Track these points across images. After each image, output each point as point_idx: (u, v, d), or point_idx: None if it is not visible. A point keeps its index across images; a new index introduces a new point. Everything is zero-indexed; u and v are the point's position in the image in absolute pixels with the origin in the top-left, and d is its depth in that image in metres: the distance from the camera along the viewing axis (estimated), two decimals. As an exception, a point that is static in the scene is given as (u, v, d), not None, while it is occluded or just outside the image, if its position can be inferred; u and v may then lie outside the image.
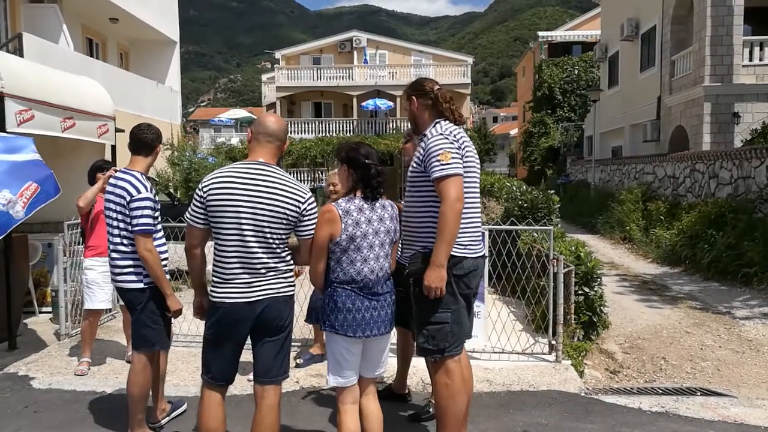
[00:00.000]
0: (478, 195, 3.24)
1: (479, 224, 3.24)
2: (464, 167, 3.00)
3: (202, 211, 2.80)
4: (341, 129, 29.17)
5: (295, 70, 30.62)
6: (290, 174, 3.04)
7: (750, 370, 5.34)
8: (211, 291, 2.85)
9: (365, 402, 2.97)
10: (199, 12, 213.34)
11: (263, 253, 2.77)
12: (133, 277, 3.42)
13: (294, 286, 2.95)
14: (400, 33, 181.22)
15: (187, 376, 4.60)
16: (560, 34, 31.56)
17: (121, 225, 3.42)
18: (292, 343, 3.17)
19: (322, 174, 26.13)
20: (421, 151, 3.07)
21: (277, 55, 32.53)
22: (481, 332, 4.82)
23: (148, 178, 3.62)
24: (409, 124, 3.51)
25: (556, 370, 4.64)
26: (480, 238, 3.24)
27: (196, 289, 3.05)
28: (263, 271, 2.79)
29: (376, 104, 28.79)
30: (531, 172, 29.62)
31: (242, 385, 4.17)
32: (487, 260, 4.55)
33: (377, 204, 2.94)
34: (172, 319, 3.54)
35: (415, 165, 3.14)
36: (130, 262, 3.42)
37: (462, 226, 2.97)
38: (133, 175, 3.47)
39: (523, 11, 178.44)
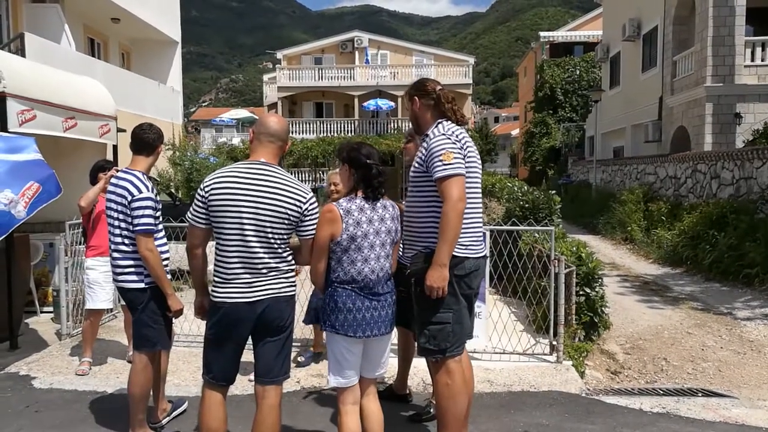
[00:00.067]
0: (480, 195, 3.24)
1: (481, 224, 3.24)
2: (466, 167, 3.00)
3: (203, 210, 2.80)
4: (342, 129, 29.19)
5: (296, 70, 30.64)
6: (291, 174, 3.03)
7: (751, 371, 5.33)
8: (212, 291, 2.85)
9: (366, 402, 2.97)
10: (200, 12, 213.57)
11: (264, 253, 2.77)
12: (134, 277, 3.42)
13: (295, 286, 2.95)
14: (401, 33, 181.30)
15: (188, 376, 4.61)
16: (562, 35, 31.55)
17: (123, 225, 3.43)
18: (293, 343, 3.17)
19: (323, 174, 26.13)
20: (424, 152, 3.07)
21: (279, 55, 32.55)
22: (482, 332, 4.82)
23: (150, 178, 3.62)
24: (410, 124, 3.51)
25: (557, 370, 4.64)
26: (481, 238, 3.24)
27: (197, 289, 3.05)
28: (264, 271, 2.79)
29: (377, 104, 28.80)
30: (532, 172, 29.60)
31: (243, 385, 4.17)
32: (488, 260, 4.55)
33: (378, 204, 2.94)
34: (173, 318, 3.55)
35: (417, 165, 3.14)
36: (132, 262, 3.42)
37: (463, 226, 2.97)
38: (134, 175, 3.47)
39: (524, 11, 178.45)
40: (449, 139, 3.01)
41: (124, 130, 7.01)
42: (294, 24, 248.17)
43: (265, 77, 38.50)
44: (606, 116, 21.29)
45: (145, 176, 3.53)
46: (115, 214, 3.44)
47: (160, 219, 3.59)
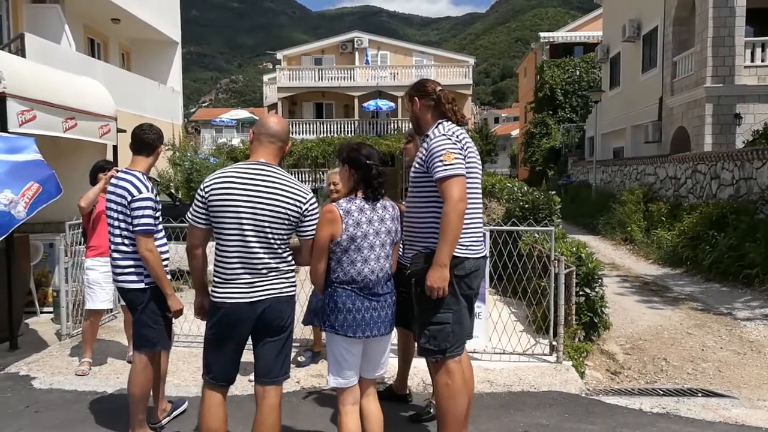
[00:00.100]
0: (480, 196, 3.25)
1: (481, 225, 3.25)
2: (466, 168, 3.00)
3: (203, 211, 2.81)
4: (342, 129, 29.20)
5: (296, 71, 30.65)
6: (291, 174, 3.03)
7: (751, 371, 5.33)
8: (212, 291, 2.85)
9: (365, 403, 2.97)
10: (200, 12, 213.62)
11: (264, 253, 2.77)
12: (134, 277, 3.42)
13: (295, 286, 2.95)
14: (401, 34, 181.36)
15: (188, 377, 4.61)
16: (562, 35, 31.56)
17: (123, 225, 3.43)
18: (293, 344, 3.17)
19: (323, 174, 26.12)
20: (424, 152, 3.08)
21: (279, 55, 32.57)
22: (482, 333, 4.82)
23: (150, 179, 3.62)
24: (410, 125, 3.51)
25: (557, 370, 4.64)
26: (482, 238, 3.24)
27: (197, 290, 3.05)
28: (264, 271, 2.79)
29: (377, 105, 28.81)
30: (532, 172, 29.61)
31: (243, 385, 4.17)
32: (488, 261, 4.55)
33: (378, 204, 2.94)
34: (173, 319, 3.55)
35: (417, 165, 3.14)
36: (131, 262, 3.42)
37: (464, 226, 2.97)
38: (134, 175, 3.48)
39: (524, 12, 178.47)
40: (450, 139, 3.01)
41: (124, 131, 7.01)
42: (294, 24, 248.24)
43: (265, 78, 38.51)
44: (606, 117, 21.30)
45: (145, 176, 3.53)
46: (115, 215, 3.44)
47: (160, 219, 3.59)
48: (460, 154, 2.98)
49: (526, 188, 8.89)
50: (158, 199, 3.57)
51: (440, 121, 3.16)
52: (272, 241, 2.78)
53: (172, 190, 12.01)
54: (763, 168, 9.80)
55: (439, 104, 3.18)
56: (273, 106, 32.29)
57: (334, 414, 3.41)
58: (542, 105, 29.53)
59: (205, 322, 2.95)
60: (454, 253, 2.95)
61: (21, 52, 9.54)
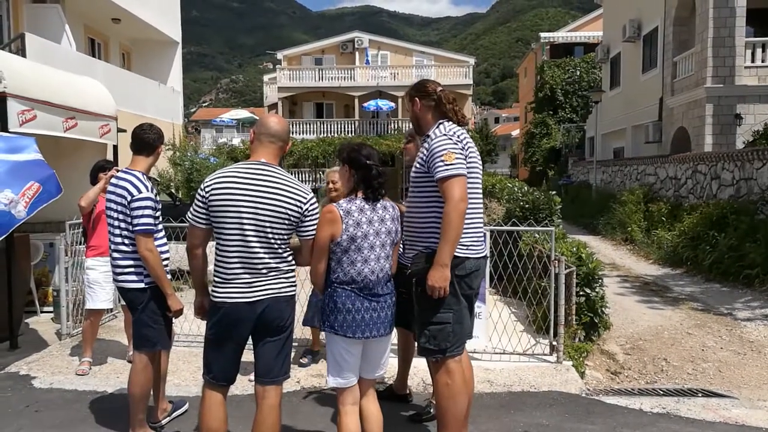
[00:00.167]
0: (481, 196, 3.25)
1: (481, 225, 3.25)
2: (467, 168, 3.01)
3: (203, 211, 2.81)
4: (343, 129, 29.21)
5: (296, 71, 30.66)
6: (292, 174, 3.03)
7: (751, 371, 5.33)
8: (213, 291, 2.85)
9: (365, 403, 2.96)
10: (200, 12, 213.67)
11: (265, 253, 2.77)
12: (134, 277, 3.42)
13: (295, 286, 2.95)
14: (401, 34, 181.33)
15: (189, 376, 4.61)
16: (562, 35, 31.56)
17: (122, 225, 3.43)
18: (294, 344, 3.17)
19: (323, 174, 26.10)
20: (425, 152, 3.08)
21: (279, 55, 32.59)
22: (482, 333, 4.82)
23: (150, 178, 3.62)
24: (410, 125, 3.52)
25: (557, 370, 4.64)
26: (482, 238, 3.24)
27: (197, 289, 3.05)
28: (264, 271, 2.79)
29: (377, 105, 28.82)
30: (532, 173, 29.61)
31: (243, 385, 4.17)
32: (488, 261, 4.55)
33: (378, 205, 2.94)
34: (173, 318, 3.55)
35: (418, 165, 3.15)
36: (131, 262, 3.42)
37: (464, 226, 2.97)
38: (134, 175, 3.48)
39: (525, 12, 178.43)
40: (450, 139, 3.02)
41: (124, 131, 7.01)
42: (294, 24, 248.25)
43: (266, 78, 38.52)
44: (606, 117, 21.30)
45: (144, 176, 3.53)
46: (115, 214, 3.45)
47: (160, 219, 3.59)
48: (461, 154, 2.98)
49: (526, 188, 8.89)
50: (158, 198, 3.57)
51: (441, 121, 3.16)
52: (272, 241, 2.78)
53: (173, 190, 12.01)
54: (763, 168, 9.80)
55: (439, 104, 3.18)
56: (273, 106, 32.30)
57: (335, 414, 3.41)
58: (542, 105, 29.53)
59: (205, 321, 2.95)
60: (455, 253, 2.95)
61: (21, 51, 9.54)
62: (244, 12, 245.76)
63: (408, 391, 4.12)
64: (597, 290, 5.79)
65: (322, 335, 3.31)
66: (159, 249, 3.45)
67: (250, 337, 2.88)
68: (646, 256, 11.35)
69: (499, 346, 4.94)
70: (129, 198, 3.39)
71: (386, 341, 3.01)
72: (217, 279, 2.82)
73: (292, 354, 3.36)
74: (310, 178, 26.57)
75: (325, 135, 28.59)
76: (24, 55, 9.28)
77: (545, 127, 29.08)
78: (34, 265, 6.51)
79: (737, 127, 13.47)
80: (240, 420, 3.53)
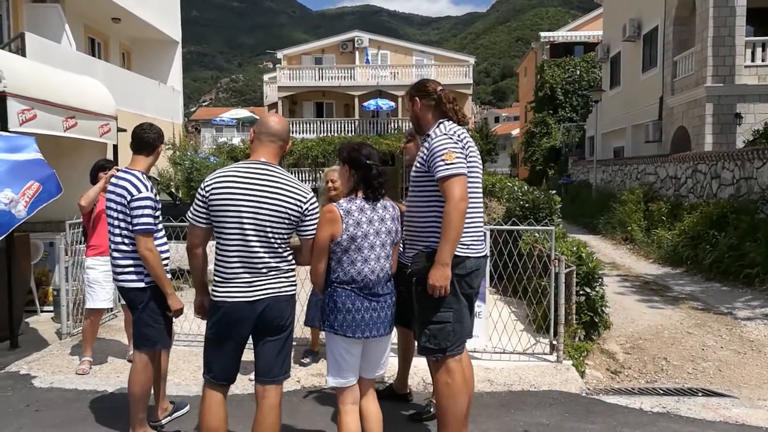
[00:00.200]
0: (481, 195, 3.25)
1: (482, 224, 3.25)
2: (467, 167, 3.01)
3: (204, 210, 2.81)
4: (343, 129, 29.20)
5: (296, 70, 30.65)
6: (292, 174, 3.02)
7: (751, 370, 5.34)
8: (213, 290, 2.85)
9: (365, 403, 2.96)
10: (200, 12, 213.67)
11: (265, 252, 2.77)
12: (134, 277, 3.42)
13: (295, 285, 2.95)
14: (401, 33, 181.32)
15: (189, 376, 4.61)
16: (562, 35, 31.56)
17: (122, 224, 3.43)
18: (294, 344, 3.17)
19: (323, 174, 26.11)
20: (425, 151, 3.08)
21: (279, 55, 32.57)
22: (482, 332, 4.82)
23: (150, 178, 3.62)
24: (410, 124, 3.52)
25: (557, 370, 4.64)
26: (482, 237, 3.24)
27: (197, 289, 3.05)
28: (264, 270, 2.79)
29: (377, 104, 28.82)
30: (532, 172, 29.60)
31: (243, 384, 4.17)
32: (488, 260, 4.55)
33: (378, 204, 2.94)
34: (174, 318, 3.55)
35: (418, 165, 3.15)
36: (131, 262, 3.42)
37: (465, 225, 2.97)
38: (133, 175, 3.48)
39: (525, 12, 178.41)
40: (451, 139, 3.02)
41: (124, 130, 7.01)
42: (294, 24, 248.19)
43: (266, 77, 38.51)
44: (606, 116, 21.29)
45: (144, 176, 3.53)
46: (115, 214, 3.44)
47: (160, 219, 3.59)
48: (461, 153, 2.99)
49: (526, 188, 8.89)
50: (158, 198, 3.57)
51: (441, 120, 3.16)
52: (273, 240, 2.78)
53: (173, 189, 12.01)
54: (763, 168, 9.80)
55: (440, 104, 3.18)
56: (273, 106, 32.30)
57: (335, 413, 3.41)
58: (542, 104, 29.53)
59: (205, 321, 2.95)
60: (456, 252, 2.95)
61: (21, 51, 9.54)
62: (244, 11, 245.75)
63: (408, 391, 4.12)
64: (597, 289, 5.79)
65: (322, 335, 3.31)
66: (159, 248, 3.44)
67: (250, 336, 2.88)
68: (646, 256, 11.35)
69: (499, 345, 4.94)
70: (128, 198, 3.39)
71: (386, 341, 3.01)
72: (217, 278, 2.82)
73: (293, 353, 3.36)
74: (310, 178, 26.57)
75: (325, 134, 28.59)
76: (24, 55, 9.28)
77: (545, 127, 29.08)
78: (35, 265, 6.51)
79: (737, 127, 13.47)
80: (240, 419, 3.53)
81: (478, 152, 3.18)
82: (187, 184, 12.81)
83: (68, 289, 5.53)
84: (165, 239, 3.65)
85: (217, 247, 2.83)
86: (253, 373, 2.95)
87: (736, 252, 8.79)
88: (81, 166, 5.86)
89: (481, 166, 3.21)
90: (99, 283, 4.72)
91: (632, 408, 4.05)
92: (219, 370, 2.88)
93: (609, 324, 6.23)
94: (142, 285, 3.41)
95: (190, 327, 5.25)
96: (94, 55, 14.52)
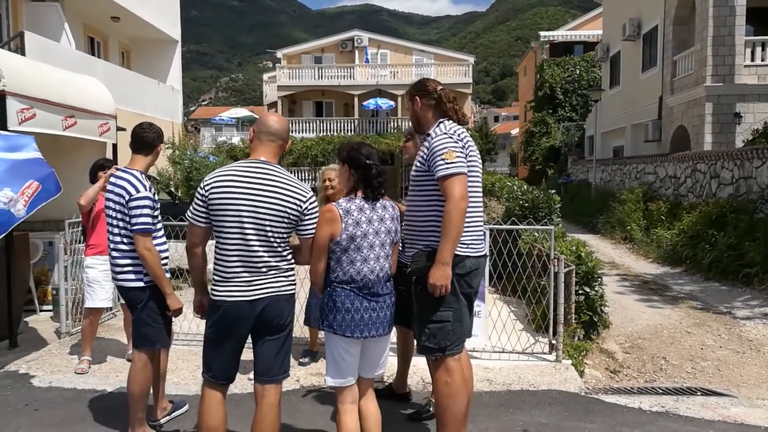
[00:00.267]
0: (481, 194, 3.25)
1: (482, 223, 3.25)
2: (467, 167, 3.01)
3: (203, 209, 2.81)
4: (342, 128, 29.19)
5: (296, 70, 30.64)
6: (291, 173, 3.03)
7: (750, 370, 5.34)
8: (212, 289, 2.85)
9: (364, 402, 2.96)
10: (200, 11, 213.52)
11: (264, 251, 2.77)
12: (133, 276, 3.42)
13: (295, 284, 2.95)
14: (401, 32, 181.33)
15: (188, 375, 4.61)
16: (562, 34, 31.55)
17: (121, 224, 3.42)
18: (294, 343, 3.17)
19: (322, 173, 26.07)
20: (425, 151, 3.08)
21: (279, 54, 32.54)
22: (481, 331, 4.82)
23: (148, 177, 3.62)
24: (410, 124, 3.52)
25: (557, 369, 4.64)
26: (482, 237, 3.25)
27: (196, 288, 3.05)
28: (264, 269, 2.79)
29: (377, 103, 28.81)
30: (532, 171, 29.60)
31: (243, 383, 4.17)
32: (487, 259, 4.55)
33: (378, 204, 2.94)
34: (173, 317, 3.55)
35: (418, 164, 3.15)
36: (130, 261, 3.42)
37: (464, 225, 2.97)
38: (132, 174, 3.47)
39: (524, 11, 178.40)
40: (451, 138, 3.02)
41: (123, 129, 7.00)
42: (294, 23, 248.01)
43: (265, 76, 38.49)
44: (606, 116, 21.29)
45: (143, 175, 3.52)
46: (114, 213, 3.44)
47: (159, 218, 3.58)
48: (461, 152, 2.99)
49: (525, 187, 8.89)
50: (157, 197, 3.57)
51: (441, 120, 3.16)
52: (272, 239, 2.78)
53: (172, 189, 12.01)
54: (762, 167, 9.80)
55: (440, 103, 3.19)
56: (273, 105, 32.28)
57: (334, 412, 3.41)
58: (542, 104, 29.52)
59: (204, 320, 2.95)
60: (456, 252, 2.95)
61: (21, 50, 9.53)
62: (243, 10, 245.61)
63: (407, 390, 4.12)
64: (596, 289, 5.79)
65: (321, 335, 3.31)
66: (158, 248, 3.44)
67: (249, 335, 2.88)
68: (645, 255, 11.36)
69: (499, 344, 4.94)
70: (127, 197, 3.38)
71: (385, 340, 3.00)
72: (216, 277, 2.82)
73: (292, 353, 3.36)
74: (310, 177, 26.55)
75: (325, 134, 28.58)
76: (23, 54, 9.28)
77: (545, 126, 29.07)
78: (34, 264, 6.51)
79: (737, 126, 13.47)
80: (239, 418, 3.53)
81: (478, 152, 3.18)
82: (186, 183, 12.80)
83: (67, 288, 5.52)
84: (164, 239, 3.65)
85: (216, 247, 2.83)
86: (253, 372, 2.94)
87: (735, 251, 8.80)
88: (80, 165, 5.85)
89: (480, 166, 3.21)
90: (98, 282, 4.72)
91: (631, 407, 4.06)
92: (218, 369, 2.88)
93: (608, 323, 6.23)
94: (141, 284, 3.41)
95: (189, 326, 5.24)
96: (93, 54, 14.51)
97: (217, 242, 2.82)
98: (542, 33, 32.58)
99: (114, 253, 3.46)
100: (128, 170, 3.52)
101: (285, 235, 2.83)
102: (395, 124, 29.19)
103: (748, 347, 5.88)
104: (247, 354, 2.93)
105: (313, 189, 3.44)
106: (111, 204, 3.45)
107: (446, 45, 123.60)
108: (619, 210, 13.71)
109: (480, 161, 3.20)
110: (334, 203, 2.90)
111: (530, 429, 3.68)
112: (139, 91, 14.17)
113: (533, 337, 5.19)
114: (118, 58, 16.34)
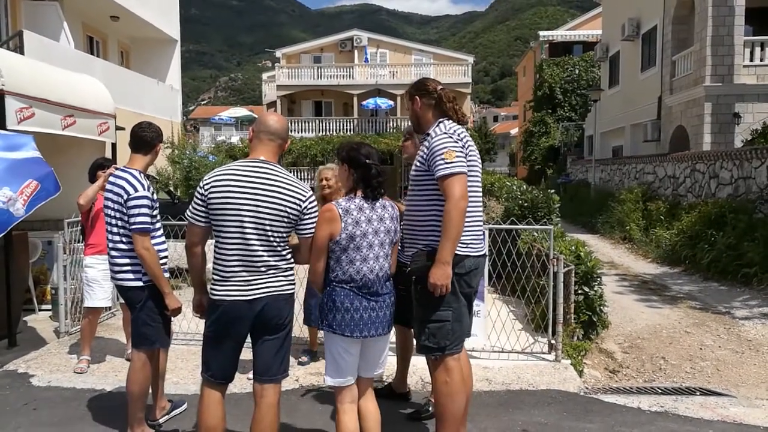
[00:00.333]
0: (481, 194, 3.26)
1: (481, 223, 3.25)
2: (467, 166, 3.01)
3: (203, 209, 2.80)
4: (342, 128, 29.19)
5: (295, 69, 30.63)
6: (290, 173, 3.03)
7: (749, 369, 5.35)
8: (211, 289, 2.85)
9: (363, 402, 2.96)
10: (200, 11, 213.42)
11: (264, 251, 2.77)
12: (132, 275, 3.42)
13: (294, 284, 2.95)
14: (400, 32, 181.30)
15: (187, 374, 4.61)
16: (561, 34, 31.55)
17: (120, 223, 3.42)
18: (293, 343, 3.17)
19: (321, 173, 26.06)
20: (425, 150, 3.08)
21: (278, 53, 32.52)
22: (480, 331, 4.82)
23: (147, 176, 3.62)
24: (409, 123, 3.52)
25: (556, 369, 4.64)
26: (482, 237, 3.25)
27: (195, 287, 3.05)
28: (263, 269, 2.79)
29: (376, 103, 28.80)
30: (531, 171, 29.61)
31: (242, 383, 4.17)
32: (487, 259, 4.55)
33: (377, 204, 2.94)
34: (172, 317, 3.54)
35: (418, 164, 3.15)
36: (129, 260, 3.42)
37: (464, 224, 2.97)
38: (131, 173, 3.47)
39: (524, 11, 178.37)
40: (451, 137, 3.02)
41: (123, 128, 7.00)
42: (293, 23, 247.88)
43: (265, 76, 38.47)
44: (605, 115, 21.30)
45: (141, 175, 3.52)
46: (113, 213, 3.44)
47: (158, 217, 3.58)
48: (461, 152, 2.99)
49: (525, 187, 8.90)
50: (155, 197, 3.56)
51: (441, 119, 3.17)
52: (272, 239, 2.77)
53: (171, 188, 12.00)
54: (761, 167, 9.81)
55: (440, 103, 3.19)
56: (272, 104, 32.27)
57: (333, 412, 3.41)
58: (541, 103, 29.53)
59: (203, 320, 2.94)
60: (455, 251, 2.95)
61: (20, 49, 9.52)
62: (243, 10, 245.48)
63: (407, 389, 4.12)
64: (595, 289, 5.79)
65: (320, 334, 3.31)
66: (157, 248, 3.44)
67: (248, 335, 2.88)
68: (644, 255, 11.37)
69: (498, 344, 4.94)
70: (125, 197, 3.38)
71: (385, 340, 3.01)
72: (216, 277, 2.82)
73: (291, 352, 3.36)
74: (309, 177, 26.53)
75: (324, 133, 28.57)
76: (22, 53, 9.26)
77: (544, 126, 29.08)
78: (33, 263, 6.51)
79: (736, 126, 13.48)
80: (239, 418, 3.53)
81: (477, 151, 3.18)
82: (185, 182, 12.80)
83: (66, 287, 5.52)
84: (163, 238, 3.65)
85: (216, 246, 2.83)
86: (252, 371, 2.94)
87: (734, 251, 8.81)
88: (79, 164, 5.85)
89: (480, 166, 3.22)
90: (97, 281, 4.71)
91: (630, 407, 4.06)
92: (217, 368, 2.88)
93: (607, 323, 6.24)
94: (140, 284, 3.41)
95: (188, 326, 5.25)
96: (92, 54, 14.50)
97: (216, 242, 2.82)
98: (541, 33, 32.56)
99: (113, 253, 3.46)
100: (127, 169, 3.51)
101: (284, 235, 2.83)
102: (394, 124, 29.19)
103: (747, 347, 5.89)
104: (247, 353, 2.93)
105: (313, 189, 3.44)
106: (110, 203, 3.45)
107: (445, 45, 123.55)
108: (618, 210, 13.72)
109: (480, 161, 3.21)
110: (333, 202, 2.90)
111: (529, 428, 3.69)
112: (138, 91, 14.16)
113: (532, 336, 5.19)
114: (117, 57, 16.33)
